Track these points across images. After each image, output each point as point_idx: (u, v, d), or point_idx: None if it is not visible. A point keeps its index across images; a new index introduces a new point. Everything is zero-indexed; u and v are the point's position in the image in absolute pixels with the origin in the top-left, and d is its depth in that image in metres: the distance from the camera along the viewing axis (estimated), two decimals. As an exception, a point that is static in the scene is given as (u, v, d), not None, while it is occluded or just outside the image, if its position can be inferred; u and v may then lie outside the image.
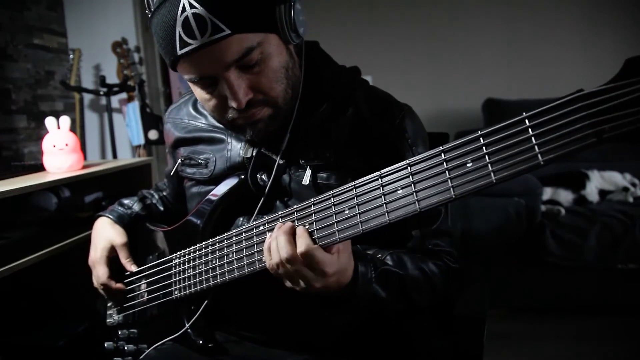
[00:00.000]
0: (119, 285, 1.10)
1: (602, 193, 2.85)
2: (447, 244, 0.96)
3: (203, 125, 1.04)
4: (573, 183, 2.85)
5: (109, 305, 1.15)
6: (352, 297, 0.80)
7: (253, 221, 0.87)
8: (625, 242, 2.45)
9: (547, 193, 2.80)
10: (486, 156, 0.55)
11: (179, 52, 0.76)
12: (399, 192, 0.63)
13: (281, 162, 0.91)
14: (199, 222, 0.98)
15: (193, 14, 0.73)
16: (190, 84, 0.86)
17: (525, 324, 2.53)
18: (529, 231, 2.53)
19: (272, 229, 0.79)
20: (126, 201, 1.19)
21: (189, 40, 0.75)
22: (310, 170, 0.89)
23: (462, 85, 3.62)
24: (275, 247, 0.75)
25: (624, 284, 2.52)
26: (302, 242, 0.73)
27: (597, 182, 2.87)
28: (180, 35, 0.75)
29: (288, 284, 0.78)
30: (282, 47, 0.84)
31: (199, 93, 0.86)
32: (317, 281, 0.74)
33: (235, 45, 0.76)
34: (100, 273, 1.10)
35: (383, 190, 0.65)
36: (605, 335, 2.38)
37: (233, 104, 0.82)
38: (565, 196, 2.81)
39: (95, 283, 1.12)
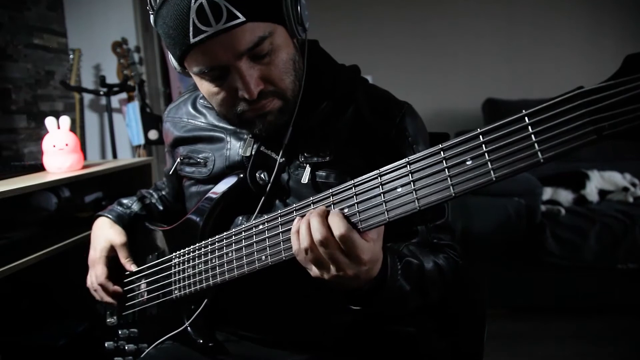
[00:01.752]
0: (116, 288, 1.10)
1: (602, 193, 2.86)
2: (449, 239, 0.96)
3: (202, 124, 1.04)
4: (573, 183, 2.86)
5: (109, 305, 1.15)
6: (379, 290, 0.77)
7: (253, 220, 0.87)
8: (625, 242, 2.45)
9: (547, 193, 2.80)
10: (486, 154, 0.55)
11: (193, 40, 0.76)
12: (398, 190, 0.63)
13: (281, 160, 0.91)
14: (198, 220, 0.98)
15: (207, 1, 0.73)
16: (198, 78, 0.86)
17: (525, 324, 2.53)
18: (529, 231, 2.53)
19: (272, 228, 0.79)
20: (125, 201, 1.19)
21: (204, 28, 0.74)
22: (310, 169, 0.89)
23: (462, 85, 3.62)
24: (306, 229, 0.70)
25: (624, 284, 2.53)
26: (341, 224, 0.67)
27: (597, 182, 2.87)
28: (194, 22, 0.74)
29: (315, 271, 0.72)
30: (289, 40, 0.85)
31: (207, 87, 0.85)
32: (350, 267, 0.69)
33: (248, 34, 0.76)
34: (99, 273, 1.10)
35: (382, 188, 0.65)
36: (605, 335, 2.38)
37: (245, 95, 0.81)
38: (565, 196, 2.81)
39: (90, 283, 1.12)
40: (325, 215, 0.69)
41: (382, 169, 0.66)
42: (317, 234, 0.68)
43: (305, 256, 0.71)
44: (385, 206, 0.64)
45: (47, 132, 1.64)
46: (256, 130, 0.90)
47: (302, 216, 0.72)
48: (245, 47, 0.77)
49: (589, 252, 2.48)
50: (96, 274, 1.10)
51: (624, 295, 2.53)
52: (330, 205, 0.71)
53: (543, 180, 2.75)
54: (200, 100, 1.06)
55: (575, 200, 2.82)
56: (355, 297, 0.78)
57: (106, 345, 1.14)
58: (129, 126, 2.95)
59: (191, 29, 0.75)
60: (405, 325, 1.03)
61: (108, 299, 1.11)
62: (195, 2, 0.73)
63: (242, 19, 0.75)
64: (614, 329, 2.42)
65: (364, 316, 0.96)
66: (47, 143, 1.63)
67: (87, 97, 3.07)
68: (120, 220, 1.13)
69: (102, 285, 1.10)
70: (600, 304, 2.56)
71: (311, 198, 0.74)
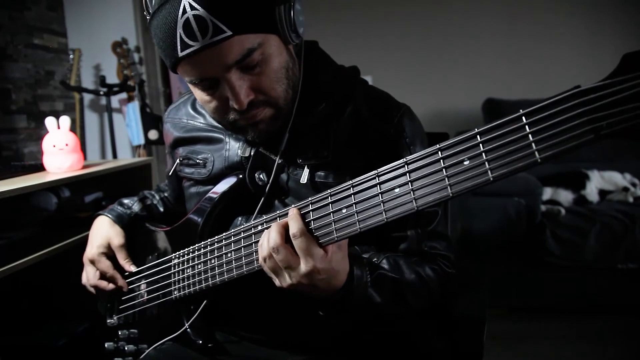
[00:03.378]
0: (117, 281, 1.09)
1: (602, 193, 2.86)
2: (443, 248, 0.95)
3: (201, 124, 1.04)
4: (573, 183, 2.85)
5: (109, 305, 1.15)
6: (347, 300, 0.79)
7: (253, 221, 0.87)
8: (625, 242, 2.45)
9: (547, 193, 2.80)
10: (483, 154, 0.55)
11: (180, 54, 0.76)
12: (396, 190, 0.63)
13: (280, 161, 0.92)
14: (199, 220, 0.98)
15: (194, 15, 0.73)
16: (191, 86, 0.86)
17: (525, 324, 2.53)
18: (529, 231, 2.53)
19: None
20: (126, 201, 1.19)
21: (190, 42, 0.74)
22: (308, 169, 0.89)
23: (462, 85, 3.62)
24: (266, 239, 0.74)
25: (624, 284, 2.52)
26: (294, 225, 0.72)
27: (597, 182, 2.87)
28: (181, 36, 0.75)
29: (277, 282, 0.76)
30: (282, 48, 0.84)
31: (200, 95, 0.86)
32: (305, 276, 0.72)
33: (236, 47, 0.76)
34: (104, 266, 1.08)
35: (380, 189, 0.65)
36: (605, 335, 2.38)
37: (234, 105, 0.81)
38: (565, 196, 2.81)
39: (87, 280, 1.11)
40: (284, 226, 0.73)
41: (379, 170, 0.66)
42: (272, 241, 0.72)
43: (265, 266, 0.75)
44: (383, 206, 0.65)
45: (47, 132, 1.64)
46: (249, 137, 0.90)
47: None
48: (233, 60, 0.77)
49: (589, 252, 2.48)
50: (102, 269, 1.09)
51: (624, 295, 2.53)
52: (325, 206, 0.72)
53: (543, 180, 2.75)
54: (199, 101, 1.07)
55: (575, 200, 2.82)
56: (324, 306, 0.81)
57: (106, 345, 1.14)
58: (129, 126, 2.95)
59: (179, 43, 0.75)
60: (405, 325, 1.03)
61: (111, 287, 1.09)
62: (182, 17, 0.73)
63: (228, 33, 0.74)
64: (614, 329, 2.42)
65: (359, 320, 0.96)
66: (47, 143, 1.63)
67: (87, 97, 3.07)
68: (120, 220, 1.13)
69: (111, 277, 1.08)
70: (600, 304, 2.56)
71: (310, 199, 0.74)
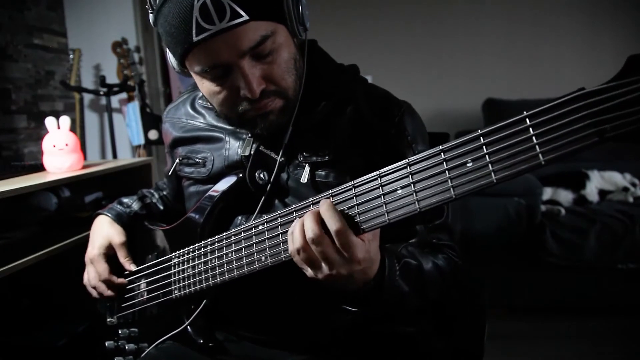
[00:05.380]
0: (121, 280, 1.09)
1: (602, 193, 2.86)
2: (448, 239, 0.95)
3: (201, 124, 1.04)
4: (573, 183, 2.85)
5: (109, 304, 1.15)
6: (378, 291, 0.77)
7: (253, 220, 0.87)
8: (625, 242, 2.45)
9: (547, 193, 2.80)
10: (486, 156, 0.55)
11: (196, 39, 0.76)
12: (399, 191, 0.63)
13: (281, 159, 0.91)
14: (198, 218, 0.98)
15: None
16: (199, 77, 0.86)
17: (525, 324, 2.53)
18: (529, 231, 2.53)
19: (271, 229, 0.78)
20: (125, 200, 1.19)
21: (207, 26, 0.74)
22: (309, 168, 0.89)
23: (462, 85, 3.62)
24: (299, 230, 0.70)
25: (624, 284, 2.52)
26: (336, 219, 0.67)
27: (597, 182, 2.87)
28: (197, 20, 0.74)
29: (310, 272, 0.72)
30: (290, 39, 0.85)
31: (208, 86, 0.85)
32: (344, 266, 0.69)
33: (251, 33, 0.77)
34: (101, 269, 1.09)
35: (382, 190, 0.65)
36: (605, 335, 2.38)
37: (247, 94, 0.81)
38: (565, 196, 2.81)
39: (88, 280, 1.11)
40: (318, 214, 0.69)
41: (382, 170, 0.66)
42: (310, 232, 0.68)
43: (299, 257, 0.71)
44: (386, 207, 0.64)
45: (47, 132, 1.64)
46: (257, 130, 0.89)
47: (301, 217, 0.72)
48: (248, 46, 0.78)
49: (589, 252, 2.48)
50: (98, 271, 1.09)
51: (624, 295, 2.53)
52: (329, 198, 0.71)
53: (543, 180, 2.75)
54: (199, 101, 1.07)
55: (575, 200, 2.82)
56: (353, 299, 0.78)
57: (107, 344, 1.14)
58: (129, 126, 2.95)
59: (194, 27, 0.75)
60: (405, 325, 1.03)
61: (110, 292, 1.09)
62: (198, 1, 0.73)
63: (245, 17, 0.75)
64: (614, 329, 2.42)
65: (363, 317, 0.96)
66: (47, 143, 1.63)
67: (87, 97, 3.07)
68: (119, 219, 1.13)
69: (106, 281, 1.09)
70: (600, 304, 2.56)
71: (311, 199, 0.74)
